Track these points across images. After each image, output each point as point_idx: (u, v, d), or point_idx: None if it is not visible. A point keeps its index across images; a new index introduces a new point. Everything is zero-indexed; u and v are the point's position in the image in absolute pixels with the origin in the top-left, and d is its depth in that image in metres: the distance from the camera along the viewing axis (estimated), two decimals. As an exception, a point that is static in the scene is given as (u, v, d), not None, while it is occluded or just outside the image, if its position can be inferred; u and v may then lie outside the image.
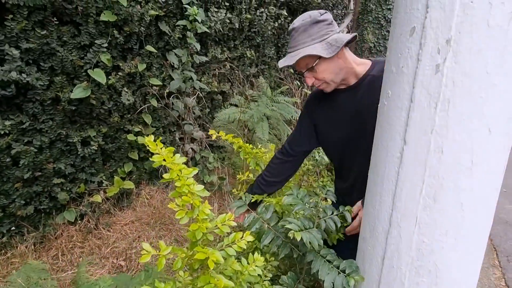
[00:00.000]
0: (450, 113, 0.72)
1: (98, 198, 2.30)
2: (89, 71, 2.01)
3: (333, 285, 0.94)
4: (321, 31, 1.09)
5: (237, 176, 1.68)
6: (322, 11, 1.13)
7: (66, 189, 2.19)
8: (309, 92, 4.55)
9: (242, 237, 0.95)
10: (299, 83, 4.57)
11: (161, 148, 0.93)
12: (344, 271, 0.97)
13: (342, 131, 1.24)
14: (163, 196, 2.88)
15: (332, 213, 1.08)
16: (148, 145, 0.93)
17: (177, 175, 0.89)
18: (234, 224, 0.94)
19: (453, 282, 0.82)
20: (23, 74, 1.76)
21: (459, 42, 0.68)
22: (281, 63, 1.15)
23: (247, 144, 1.56)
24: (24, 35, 1.78)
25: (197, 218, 0.88)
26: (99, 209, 2.39)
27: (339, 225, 1.06)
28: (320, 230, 1.03)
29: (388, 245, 0.88)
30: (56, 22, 1.87)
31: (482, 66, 0.68)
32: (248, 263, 1.01)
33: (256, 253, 1.02)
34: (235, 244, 0.94)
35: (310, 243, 0.94)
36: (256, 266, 1.00)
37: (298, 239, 0.93)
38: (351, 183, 1.30)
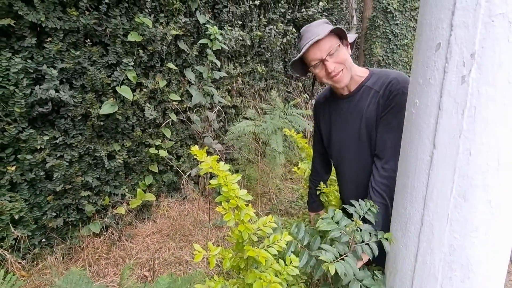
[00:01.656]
0: (476, 119, 0.80)
1: (122, 210, 2.38)
2: (117, 88, 2.13)
3: None
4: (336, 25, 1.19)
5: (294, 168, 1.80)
6: None
7: (92, 201, 2.27)
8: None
9: (281, 237, 1.02)
10: (307, 96, 4.69)
11: (206, 157, 1.01)
12: None
13: (338, 135, 1.32)
14: (181, 208, 2.95)
15: (370, 239, 1.03)
16: (195, 154, 1.01)
17: (223, 181, 0.97)
18: (275, 225, 1.01)
19: (484, 275, 0.88)
20: (60, 92, 1.88)
21: (482, 56, 0.77)
22: (301, 52, 1.15)
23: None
24: (59, 56, 1.90)
25: (243, 220, 0.96)
26: (122, 221, 2.46)
27: (376, 253, 1.01)
28: (356, 255, 1.00)
29: (421, 242, 0.95)
30: (88, 43, 2.00)
31: (504, 76, 0.76)
32: (285, 264, 1.07)
33: (293, 254, 1.08)
34: (276, 244, 1.01)
35: (345, 274, 0.92)
36: (293, 266, 1.06)
37: (332, 272, 0.90)
38: (347, 190, 1.38)
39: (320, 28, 1.15)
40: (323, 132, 1.41)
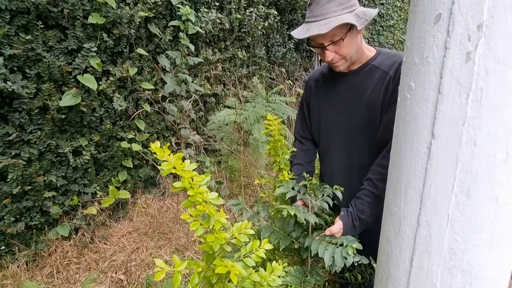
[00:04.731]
0: (483, 103, 0.68)
1: (92, 210, 2.20)
2: (79, 77, 1.91)
3: (334, 259, 0.97)
4: (350, 1, 1.02)
5: (256, 181, 1.60)
6: None
7: (58, 202, 2.08)
8: (302, 92, 4.51)
9: (260, 245, 0.89)
10: (291, 83, 4.54)
11: (169, 155, 0.85)
12: (342, 245, 1.01)
13: (332, 115, 1.21)
14: (159, 204, 2.79)
15: (323, 195, 1.12)
16: (155, 152, 0.86)
17: (189, 183, 0.82)
18: (251, 232, 0.88)
19: (489, 281, 0.78)
20: (8, 82, 1.65)
21: (491, 27, 0.64)
22: (304, 33, 1.02)
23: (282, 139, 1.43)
24: (7, 40, 1.67)
25: (213, 228, 0.82)
26: (94, 221, 2.28)
27: (331, 203, 1.11)
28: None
29: (417, 245, 0.84)
30: (42, 26, 1.77)
31: (517, 51, 0.63)
32: (265, 271, 0.94)
33: (274, 262, 0.96)
34: (253, 253, 0.88)
35: (305, 219, 1.01)
36: (275, 276, 0.94)
37: (292, 214, 1.00)
38: (332, 172, 1.27)
39: (331, 6, 0.99)
40: (312, 111, 1.27)
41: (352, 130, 1.15)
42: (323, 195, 1.13)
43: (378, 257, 1.00)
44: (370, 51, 1.13)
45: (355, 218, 1.10)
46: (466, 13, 0.66)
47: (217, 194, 0.83)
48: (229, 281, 0.86)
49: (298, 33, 1.05)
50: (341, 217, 1.11)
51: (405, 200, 0.85)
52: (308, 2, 1.05)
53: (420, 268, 0.84)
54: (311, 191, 1.13)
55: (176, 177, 2.98)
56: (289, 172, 1.29)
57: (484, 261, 0.76)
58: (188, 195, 0.81)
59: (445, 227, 0.78)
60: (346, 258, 0.98)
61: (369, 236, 1.10)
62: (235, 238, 0.86)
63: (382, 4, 5.79)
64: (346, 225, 1.09)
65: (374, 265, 1.08)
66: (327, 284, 1.38)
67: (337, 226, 1.09)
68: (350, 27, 1.02)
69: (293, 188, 1.13)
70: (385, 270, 0.95)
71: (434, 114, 0.75)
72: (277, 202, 1.37)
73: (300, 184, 1.17)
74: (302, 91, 4.40)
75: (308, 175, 1.15)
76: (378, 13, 5.81)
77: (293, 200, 1.26)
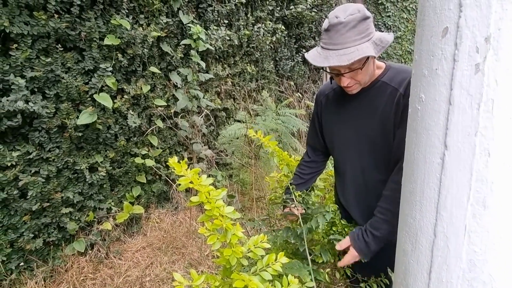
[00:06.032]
0: (495, 113, 0.68)
1: (108, 225, 2.23)
2: (95, 96, 1.99)
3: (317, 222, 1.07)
4: (368, 28, 1.00)
5: (266, 178, 1.69)
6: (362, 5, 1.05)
7: (75, 218, 2.12)
8: (312, 105, 4.52)
9: (276, 259, 0.90)
10: (300, 95, 4.58)
11: (186, 169, 0.88)
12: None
13: (344, 131, 1.21)
14: (172, 219, 2.81)
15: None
16: (169, 167, 0.88)
17: (206, 197, 0.84)
18: (267, 246, 0.89)
19: (512, 293, 0.77)
20: (29, 103, 1.73)
21: (499, 40, 0.66)
22: (323, 61, 1.00)
23: (283, 152, 1.57)
24: (28, 63, 1.76)
25: (230, 242, 0.83)
26: (109, 237, 2.31)
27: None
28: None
29: (435, 257, 0.83)
30: (61, 49, 1.86)
31: (527, 62, 0.64)
32: (282, 285, 0.94)
33: (290, 275, 0.96)
34: (270, 267, 0.88)
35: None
36: (292, 289, 0.93)
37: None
38: (344, 186, 1.28)
39: (351, 36, 0.98)
40: (324, 126, 1.29)
41: (364, 146, 1.15)
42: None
43: (395, 269, 0.99)
44: (380, 68, 1.14)
45: (365, 233, 1.10)
46: (473, 26, 0.68)
47: (233, 208, 0.85)
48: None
49: (315, 60, 1.02)
50: (351, 233, 1.14)
51: (421, 211, 0.85)
52: (326, 28, 1.01)
53: (439, 280, 0.83)
54: (300, 199, 1.21)
55: (188, 191, 3.00)
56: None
57: (505, 273, 0.75)
58: (205, 210, 0.83)
59: (462, 238, 0.77)
60: (325, 215, 1.08)
61: (387, 246, 1.09)
62: (251, 251, 0.87)
63: (389, 16, 5.85)
64: (355, 240, 1.11)
65: (391, 274, 1.06)
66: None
67: (345, 241, 1.13)
68: (367, 59, 1.02)
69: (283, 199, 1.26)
70: (403, 283, 0.93)
71: (446, 125, 0.75)
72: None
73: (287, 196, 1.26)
74: (311, 103, 4.42)
75: (293, 187, 1.24)
76: (385, 24, 5.85)
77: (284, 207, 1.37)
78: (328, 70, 1.11)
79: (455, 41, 0.72)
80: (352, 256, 1.11)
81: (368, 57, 1.02)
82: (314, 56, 1.04)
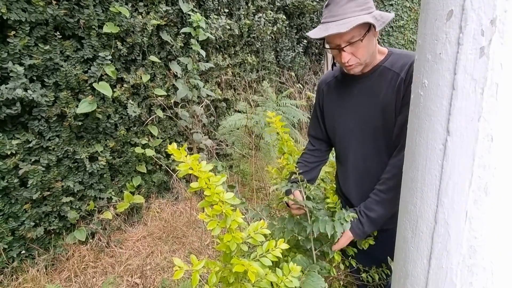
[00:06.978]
0: (499, 98, 0.67)
1: (108, 214, 2.24)
2: (94, 85, 1.97)
3: (334, 228, 1.05)
4: (368, 3, 1.02)
5: (268, 167, 1.64)
6: None
7: (75, 207, 2.13)
8: (312, 96, 4.50)
9: (276, 245, 0.90)
10: (301, 86, 4.55)
11: (185, 156, 0.87)
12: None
13: (346, 118, 1.20)
14: (173, 208, 2.82)
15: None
16: (172, 153, 0.88)
17: (206, 183, 0.83)
18: (267, 232, 0.89)
19: (511, 279, 0.77)
20: (28, 91, 1.72)
21: (505, 22, 0.64)
22: (322, 33, 1.00)
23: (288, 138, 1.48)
24: (27, 51, 1.74)
25: (230, 228, 0.83)
26: (109, 226, 2.32)
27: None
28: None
29: (435, 244, 0.83)
30: (59, 37, 1.83)
31: (533, 44, 0.63)
32: (283, 273, 0.95)
33: (291, 262, 0.96)
34: (270, 253, 0.88)
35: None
36: (292, 276, 0.94)
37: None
38: (346, 174, 1.27)
39: (351, 7, 0.99)
40: (326, 114, 1.28)
41: (366, 133, 1.14)
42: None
43: (395, 256, 0.99)
44: (382, 53, 1.13)
45: (359, 214, 1.10)
46: (478, 8, 0.66)
47: (233, 194, 0.85)
48: (247, 280, 0.87)
49: (315, 33, 1.03)
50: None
51: (421, 198, 0.85)
52: (326, 4, 1.05)
53: (438, 267, 0.83)
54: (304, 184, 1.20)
55: (189, 181, 3.01)
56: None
57: (506, 259, 0.75)
58: (205, 196, 0.82)
59: (463, 225, 0.77)
60: (343, 224, 1.06)
61: (388, 236, 1.10)
62: (251, 237, 0.87)
63: (392, 5, 5.77)
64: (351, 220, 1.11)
65: (391, 264, 1.07)
66: (344, 286, 1.38)
67: (343, 239, 1.12)
68: (368, 28, 1.01)
69: (286, 185, 1.21)
70: (403, 270, 0.94)
71: (449, 111, 0.74)
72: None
73: (291, 182, 1.23)
74: (312, 94, 4.39)
75: (299, 174, 1.18)
76: (388, 14, 5.78)
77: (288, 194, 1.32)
78: (328, 47, 1.08)
79: (460, 24, 0.70)
80: (346, 238, 1.10)
81: (368, 30, 1.01)
82: (314, 31, 1.04)
